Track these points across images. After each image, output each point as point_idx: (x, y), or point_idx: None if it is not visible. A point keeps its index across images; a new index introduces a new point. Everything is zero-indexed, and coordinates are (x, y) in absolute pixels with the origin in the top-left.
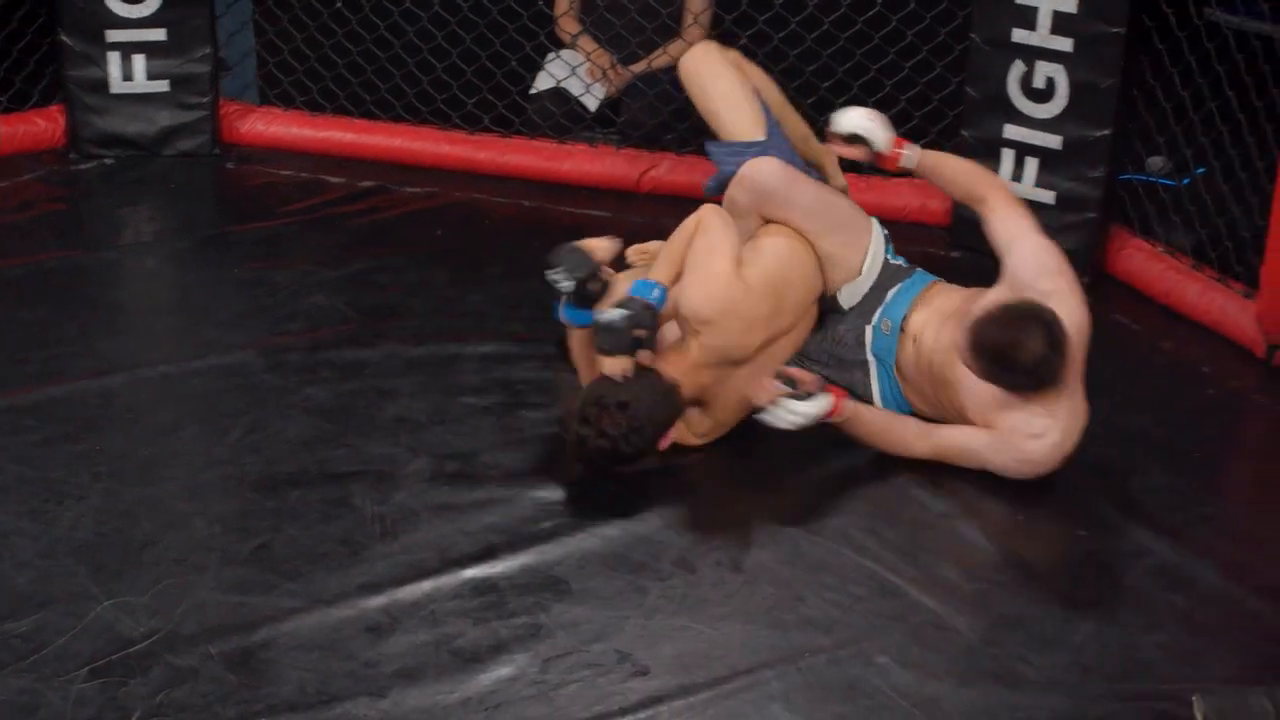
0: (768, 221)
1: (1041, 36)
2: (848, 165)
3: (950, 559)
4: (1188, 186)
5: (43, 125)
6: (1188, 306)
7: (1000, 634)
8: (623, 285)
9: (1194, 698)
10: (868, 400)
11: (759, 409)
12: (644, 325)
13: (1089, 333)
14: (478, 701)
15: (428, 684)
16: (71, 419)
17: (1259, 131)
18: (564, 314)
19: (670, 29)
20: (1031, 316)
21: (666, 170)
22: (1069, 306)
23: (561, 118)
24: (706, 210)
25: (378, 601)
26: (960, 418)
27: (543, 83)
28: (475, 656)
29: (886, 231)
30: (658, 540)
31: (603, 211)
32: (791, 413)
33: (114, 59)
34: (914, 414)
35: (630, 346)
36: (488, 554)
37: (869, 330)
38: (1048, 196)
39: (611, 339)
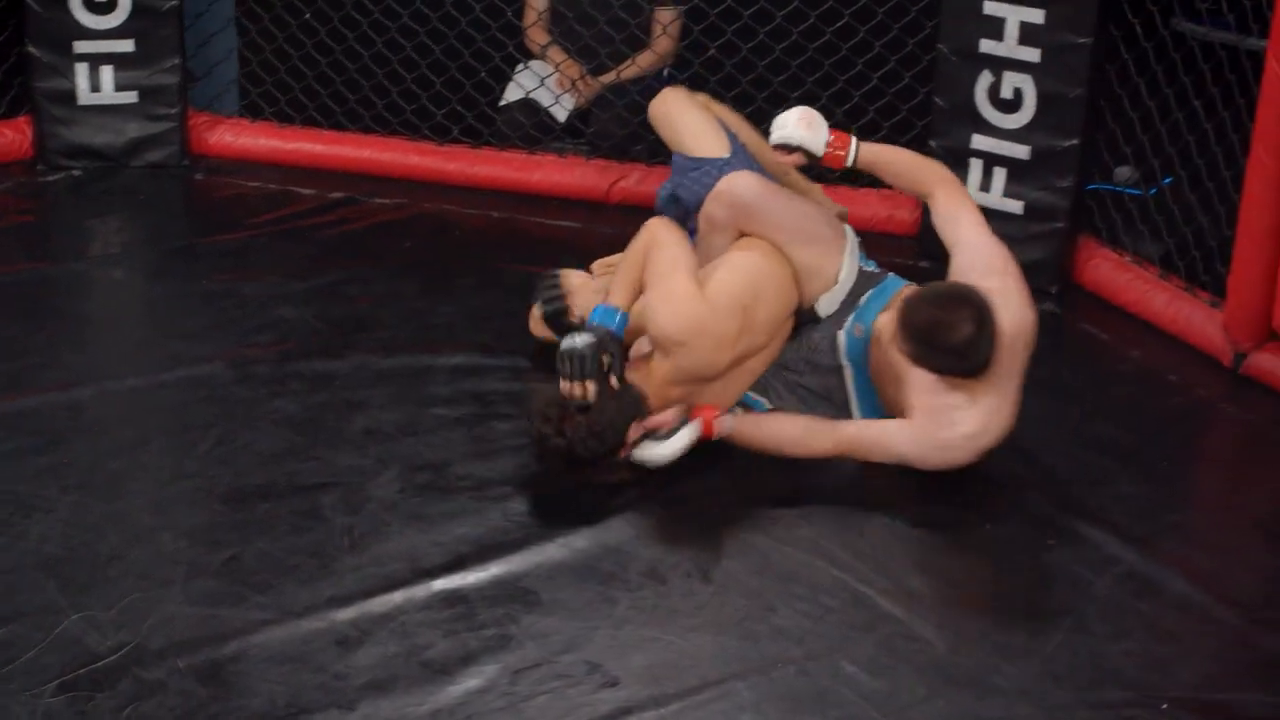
0: (742, 235)
1: (1009, 47)
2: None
3: (920, 569)
4: (1155, 196)
5: (10, 137)
6: (1155, 316)
7: (970, 644)
8: (586, 294)
9: None
10: (845, 405)
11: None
12: (609, 351)
13: (1032, 334)
14: (448, 713)
15: (398, 696)
16: (39, 431)
17: (1225, 141)
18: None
19: (639, 40)
20: (962, 299)
21: (636, 181)
22: (1011, 306)
23: (531, 129)
24: (655, 226)
25: (347, 613)
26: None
27: (512, 94)
28: (445, 668)
29: (859, 239)
30: (627, 551)
31: (573, 222)
32: (653, 453)
33: (82, 70)
34: (887, 417)
35: (595, 372)
36: (457, 565)
37: (842, 335)
38: (1016, 206)
39: (575, 366)
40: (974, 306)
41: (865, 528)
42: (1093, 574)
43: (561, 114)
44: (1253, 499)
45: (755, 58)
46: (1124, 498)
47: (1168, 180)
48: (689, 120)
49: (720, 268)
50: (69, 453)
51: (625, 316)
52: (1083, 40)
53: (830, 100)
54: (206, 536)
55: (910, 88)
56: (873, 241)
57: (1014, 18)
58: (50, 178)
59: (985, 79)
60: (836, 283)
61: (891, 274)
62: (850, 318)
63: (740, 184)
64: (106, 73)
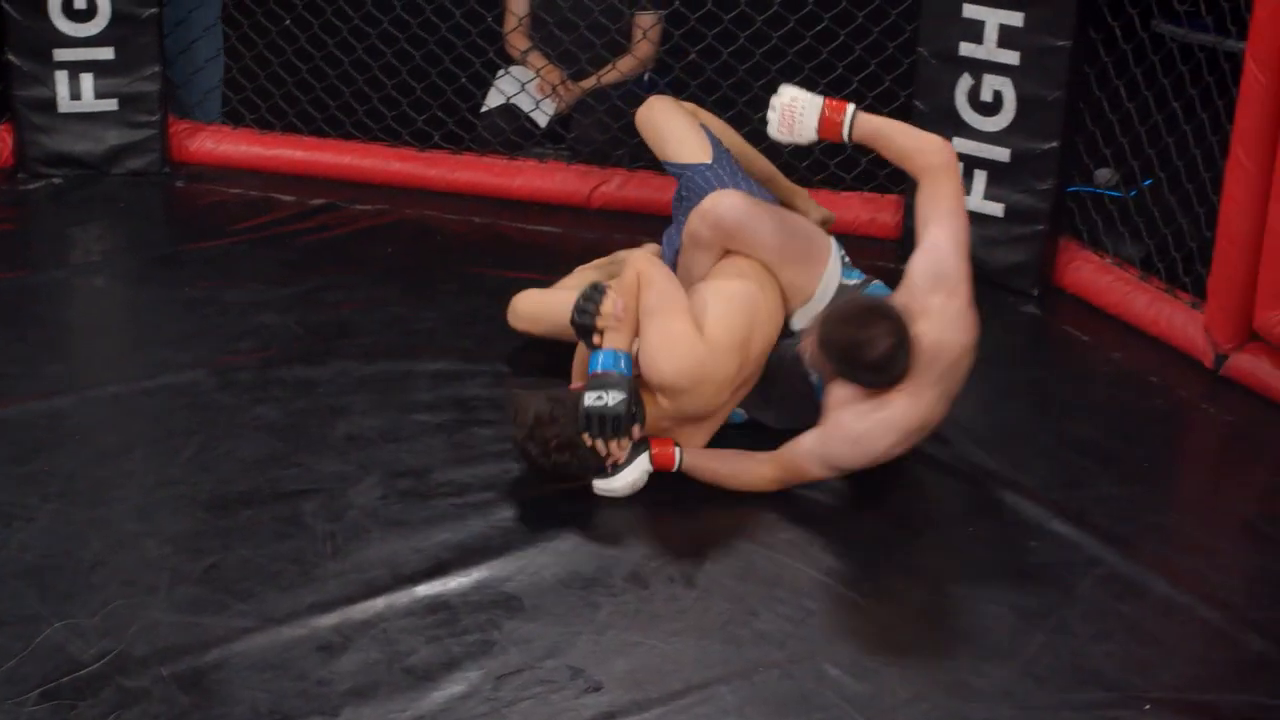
0: (728, 251)
1: (989, 50)
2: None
3: (902, 572)
4: (1135, 198)
5: None
6: (1136, 317)
7: (952, 646)
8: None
9: None
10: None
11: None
12: (636, 401)
13: (964, 358)
14: (430, 719)
15: (380, 702)
16: (20, 440)
17: (1205, 143)
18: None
19: (619, 45)
20: (877, 314)
21: (617, 186)
22: (955, 327)
23: (512, 134)
24: (640, 262)
25: (330, 620)
26: None
27: (493, 99)
28: (428, 674)
29: (844, 251)
30: (610, 556)
31: (554, 227)
32: (608, 486)
33: (62, 78)
34: None
35: (628, 431)
36: (439, 571)
37: None
38: (996, 209)
39: (609, 426)
40: (889, 320)
41: (847, 531)
42: (1074, 575)
43: (542, 119)
44: (1234, 500)
45: (736, 62)
46: (1105, 499)
47: (1148, 182)
48: (673, 126)
49: (713, 301)
50: (50, 461)
51: (630, 360)
52: (1062, 43)
53: None
54: (189, 544)
55: (890, 91)
56: (854, 244)
57: (993, 21)
58: (30, 186)
59: (965, 82)
60: (814, 298)
61: (877, 281)
62: None
63: (725, 203)
64: (86, 80)
